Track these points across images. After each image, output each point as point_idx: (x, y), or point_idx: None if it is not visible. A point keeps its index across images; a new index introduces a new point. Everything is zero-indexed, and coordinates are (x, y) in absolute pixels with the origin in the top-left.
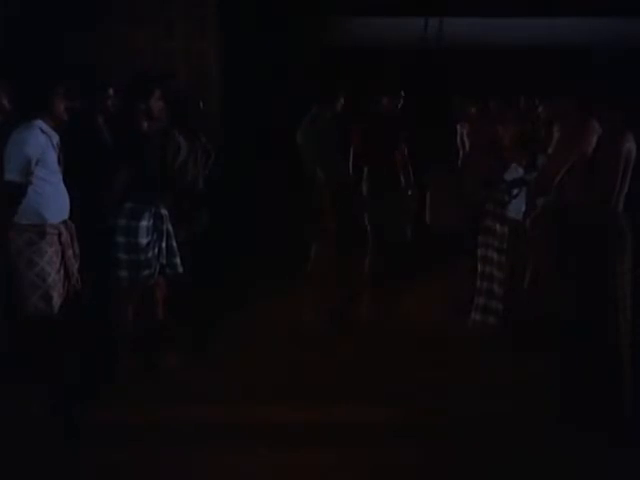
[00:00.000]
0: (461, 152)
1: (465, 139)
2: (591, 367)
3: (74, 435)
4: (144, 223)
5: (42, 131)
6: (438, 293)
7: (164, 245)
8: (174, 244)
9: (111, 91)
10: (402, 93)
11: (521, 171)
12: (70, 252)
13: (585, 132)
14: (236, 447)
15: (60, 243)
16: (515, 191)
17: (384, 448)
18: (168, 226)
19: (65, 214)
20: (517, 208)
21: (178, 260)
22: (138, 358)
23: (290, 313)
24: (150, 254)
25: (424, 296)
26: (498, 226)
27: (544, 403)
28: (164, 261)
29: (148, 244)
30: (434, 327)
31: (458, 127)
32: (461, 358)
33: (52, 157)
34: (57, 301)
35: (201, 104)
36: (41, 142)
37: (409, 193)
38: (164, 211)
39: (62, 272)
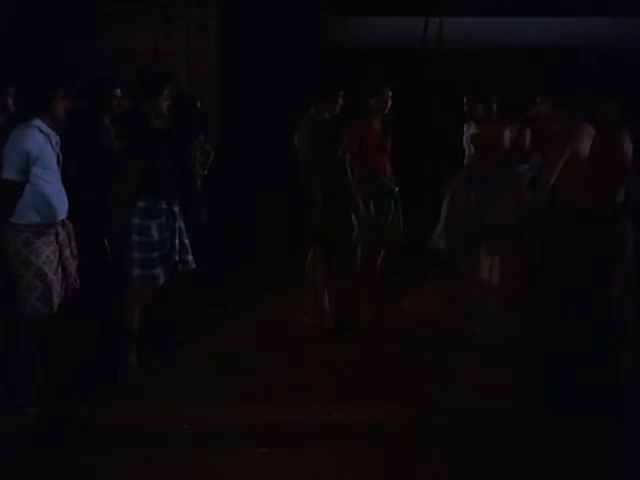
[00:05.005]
0: (467, 152)
1: (470, 139)
2: (591, 367)
3: (74, 435)
4: (157, 221)
5: (40, 131)
6: (438, 293)
7: (177, 242)
8: (186, 241)
9: (118, 92)
10: (397, 93)
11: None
12: (68, 252)
13: (576, 131)
14: (236, 447)
15: (57, 243)
16: None
17: (384, 448)
18: (180, 223)
19: (63, 214)
20: None
21: (190, 257)
22: (138, 357)
23: (290, 313)
24: (163, 252)
25: (424, 296)
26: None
27: (544, 403)
28: (177, 258)
29: (160, 242)
30: (434, 327)
31: (464, 127)
32: (461, 358)
33: (50, 157)
34: (55, 301)
35: (198, 104)
36: (39, 141)
37: (396, 191)
38: (176, 208)
39: (60, 272)
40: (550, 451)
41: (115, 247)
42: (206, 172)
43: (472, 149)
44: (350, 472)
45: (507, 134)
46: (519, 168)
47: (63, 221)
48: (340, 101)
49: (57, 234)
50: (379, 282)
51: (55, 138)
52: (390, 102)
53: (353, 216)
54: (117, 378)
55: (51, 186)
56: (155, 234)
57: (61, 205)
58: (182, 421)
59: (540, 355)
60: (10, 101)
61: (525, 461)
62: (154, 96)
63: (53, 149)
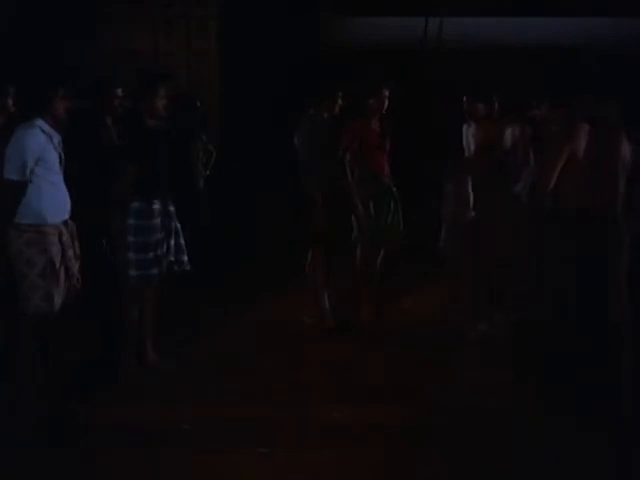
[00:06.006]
0: (467, 152)
1: (471, 139)
2: (591, 366)
3: (74, 435)
4: (153, 221)
5: (42, 131)
6: (438, 293)
7: (172, 242)
8: (182, 241)
9: (120, 92)
10: (397, 93)
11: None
12: (70, 252)
13: (574, 131)
14: (236, 447)
15: (61, 243)
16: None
17: (384, 448)
18: (176, 223)
19: (66, 214)
20: None
21: (186, 257)
22: (138, 357)
23: (290, 313)
24: (159, 252)
25: (424, 296)
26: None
27: (544, 403)
28: (172, 258)
29: (157, 242)
30: (434, 327)
31: (464, 127)
32: (461, 358)
33: (53, 157)
34: (58, 301)
35: (198, 103)
36: (41, 141)
37: (396, 191)
38: (172, 208)
39: (62, 272)
40: (550, 451)
41: (113, 247)
42: (208, 172)
43: (472, 149)
44: (350, 472)
45: (507, 134)
46: (514, 187)
47: (66, 221)
48: (340, 101)
49: (60, 234)
50: (379, 282)
51: (57, 138)
52: (387, 102)
53: (353, 216)
54: (117, 378)
55: (54, 186)
56: (151, 235)
57: (64, 205)
58: (182, 421)
59: (540, 355)
60: (10, 101)
61: (525, 461)
62: (150, 96)
63: (55, 149)
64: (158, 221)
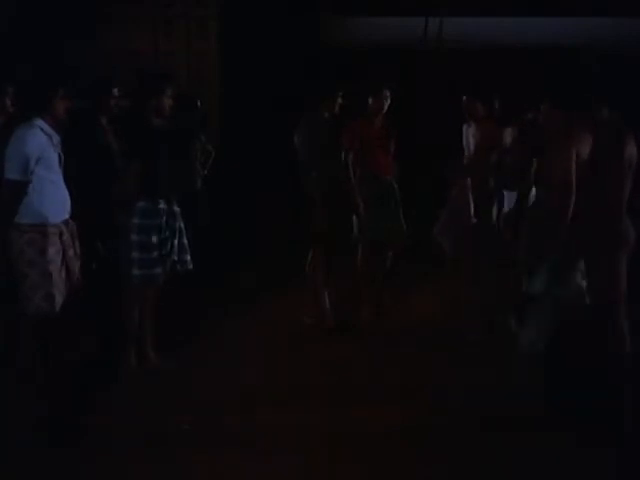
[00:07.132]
0: (466, 152)
1: (471, 139)
2: (591, 367)
3: (74, 436)
4: (157, 221)
5: (42, 130)
6: (438, 293)
7: (176, 242)
8: (185, 241)
9: (115, 92)
10: (397, 93)
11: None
12: (71, 252)
13: (574, 132)
14: (237, 447)
15: (61, 243)
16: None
17: (384, 448)
18: (180, 223)
19: (66, 213)
20: None
21: (189, 257)
22: (138, 357)
23: (290, 313)
24: (163, 252)
25: (424, 296)
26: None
27: (544, 403)
28: (176, 258)
29: (161, 242)
30: (434, 327)
31: (464, 127)
32: (461, 358)
33: (53, 156)
34: (59, 301)
35: (198, 103)
36: (41, 141)
37: (397, 191)
38: (176, 208)
39: (63, 272)
40: (550, 451)
41: (112, 247)
42: (206, 172)
43: (472, 149)
44: (350, 472)
45: (507, 134)
46: None
47: (66, 221)
48: (340, 101)
49: (61, 234)
50: (379, 282)
51: (56, 138)
52: (388, 102)
53: (354, 216)
54: (117, 378)
55: (54, 186)
56: (155, 234)
57: (64, 205)
58: (182, 421)
59: (540, 355)
60: (8, 102)
61: (525, 461)
62: (157, 96)
63: (55, 149)
64: (163, 221)
